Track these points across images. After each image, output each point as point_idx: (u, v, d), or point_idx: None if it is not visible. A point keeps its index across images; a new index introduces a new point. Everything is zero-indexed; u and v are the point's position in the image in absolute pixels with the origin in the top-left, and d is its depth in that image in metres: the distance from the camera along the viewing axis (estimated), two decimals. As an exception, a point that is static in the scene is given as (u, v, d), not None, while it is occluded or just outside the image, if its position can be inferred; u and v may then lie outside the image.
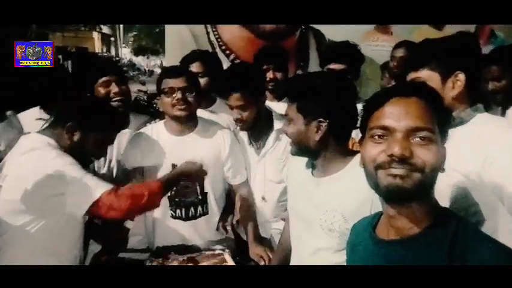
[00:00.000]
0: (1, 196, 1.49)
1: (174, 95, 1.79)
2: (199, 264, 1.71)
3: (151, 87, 3.07)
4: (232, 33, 3.55)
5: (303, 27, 3.61)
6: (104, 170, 1.96)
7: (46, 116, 1.88)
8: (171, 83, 1.81)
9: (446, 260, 0.86)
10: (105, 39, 24.80)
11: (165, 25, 3.65)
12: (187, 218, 1.91)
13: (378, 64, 3.49)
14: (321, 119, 1.28)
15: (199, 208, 1.91)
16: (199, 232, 1.94)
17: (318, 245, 1.33)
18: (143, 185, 1.63)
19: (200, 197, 1.91)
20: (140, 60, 26.93)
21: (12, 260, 1.49)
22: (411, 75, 1.34)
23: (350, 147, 1.49)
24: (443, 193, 1.23)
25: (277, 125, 1.89)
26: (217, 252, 1.83)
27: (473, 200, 1.19)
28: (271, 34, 3.47)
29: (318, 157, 1.34)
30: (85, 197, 1.47)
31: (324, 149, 1.32)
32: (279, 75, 2.37)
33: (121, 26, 25.51)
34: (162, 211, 1.88)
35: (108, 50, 25.01)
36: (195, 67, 2.21)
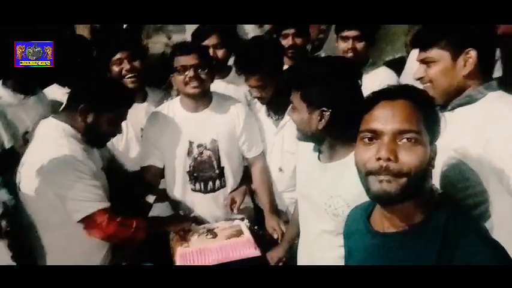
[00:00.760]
0: (21, 184, 1.58)
1: (186, 73, 1.80)
2: (217, 237, 1.81)
3: (179, 38, 3.06)
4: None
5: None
6: (121, 144, 2.03)
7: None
8: (182, 60, 1.80)
9: (437, 255, 0.89)
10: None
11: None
12: (206, 191, 1.98)
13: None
14: (324, 108, 1.27)
15: (217, 182, 1.98)
16: (219, 203, 2.01)
17: (323, 227, 1.37)
18: (133, 220, 1.65)
19: (217, 172, 1.96)
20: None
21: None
22: (420, 56, 1.29)
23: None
24: (443, 173, 1.24)
25: None
26: (234, 223, 1.91)
27: (473, 181, 1.18)
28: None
29: (322, 143, 1.36)
30: (83, 206, 1.54)
31: (328, 136, 1.32)
32: (298, 40, 2.33)
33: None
34: (182, 184, 1.97)
35: None
36: (211, 40, 2.19)
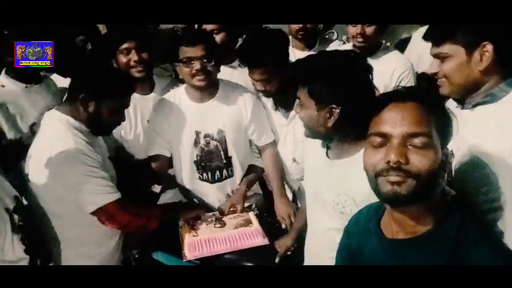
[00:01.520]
0: (29, 176, 1.60)
1: (192, 65, 1.75)
2: (226, 226, 1.82)
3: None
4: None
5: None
6: (130, 137, 2.03)
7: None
8: (188, 52, 1.75)
9: (448, 261, 0.88)
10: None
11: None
12: (213, 181, 1.98)
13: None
14: (334, 106, 1.22)
15: (225, 171, 1.97)
16: (226, 193, 2.02)
17: (330, 224, 1.35)
18: (146, 208, 1.69)
19: (225, 161, 1.96)
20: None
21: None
22: (433, 51, 1.23)
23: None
24: (464, 174, 1.20)
25: None
26: (243, 212, 1.92)
27: (495, 185, 1.13)
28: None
29: (331, 141, 1.32)
30: (94, 198, 1.56)
31: (337, 134, 1.28)
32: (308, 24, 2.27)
33: None
34: (189, 173, 1.97)
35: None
36: (208, 26, 2.14)
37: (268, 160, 2.01)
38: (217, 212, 1.95)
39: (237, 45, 2.08)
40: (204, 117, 1.89)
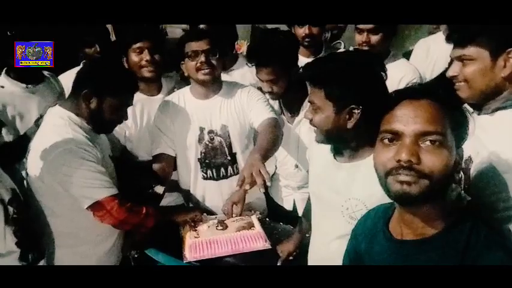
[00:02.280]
0: (28, 170, 1.59)
1: (197, 58, 1.79)
2: (228, 228, 1.79)
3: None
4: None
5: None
6: (135, 137, 2.02)
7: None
8: (194, 46, 1.80)
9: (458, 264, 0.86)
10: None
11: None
12: (218, 178, 1.96)
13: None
14: (354, 106, 1.17)
15: (230, 168, 1.95)
16: (232, 191, 1.95)
17: (337, 230, 1.31)
18: (141, 206, 1.65)
19: (229, 158, 1.94)
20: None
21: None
22: (456, 52, 1.21)
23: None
24: (483, 178, 1.17)
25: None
26: (245, 215, 1.89)
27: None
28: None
29: (347, 144, 1.26)
30: (90, 192, 1.54)
31: (355, 136, 1.23)
32: (315, 30, 2.29)
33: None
34: (194, 172, 1.95)
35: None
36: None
37: (263, 127, 1.82)
38: (219, 215, 1.92)
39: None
40: (208, 113, 1.89)
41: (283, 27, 2.25)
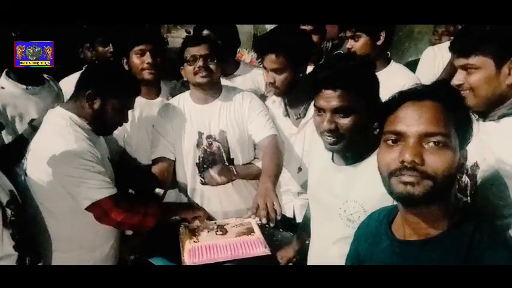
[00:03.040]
0: (27, 170, 1.58)
1: (196, 63, 1.80)
2: (227, 234, 1.77)
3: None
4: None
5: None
6: (133, 141, 2.02)
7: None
8: (192, 50, 1.82)
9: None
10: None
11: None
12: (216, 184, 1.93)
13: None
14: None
15: None
16: (230, 196, 1.97)
17: (336, 233, 1.31)
18: (142, 205, 1.64)
19: (227, 163, 1.93)
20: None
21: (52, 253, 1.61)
22: (459, 62, 1.21)
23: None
24: (490, 184, 1.18)
25: None
26: (245, 221, 1.88)
27: None
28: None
29: (354, 148, 1.26)
30: (89, 193, 1.52)
31: (354, 138, 1.22)
32: (315, 38, 2.32)
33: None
34: (191, 177, 1.94)
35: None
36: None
37: (267, 149, 1.82)
38: (218, 220, 1.90)
39: None
40: (207, 118, 1.89)
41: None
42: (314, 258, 1.49)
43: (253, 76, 2.30)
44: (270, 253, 1.69)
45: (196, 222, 1.82)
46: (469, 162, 1.22)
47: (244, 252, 1.67)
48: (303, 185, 1.96)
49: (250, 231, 1.79)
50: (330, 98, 1.19)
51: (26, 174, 1.59)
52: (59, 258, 1.63)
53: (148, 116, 2.03)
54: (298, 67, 1.81)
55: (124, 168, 1.86)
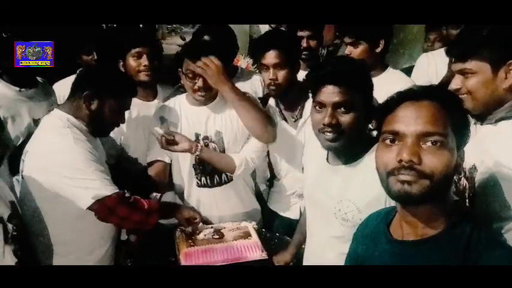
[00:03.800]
0: (24, 173, 1.56)
1: (195, 81, 1.77)
2: (224, 237, 1.76)
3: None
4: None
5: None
6: (130, 142, 2.01)
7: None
8: (192, 67, 1.75)
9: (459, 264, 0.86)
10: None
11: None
12: (212, 185, 1.93)
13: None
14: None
15: (224, 175, 1.92)
16: (225, 199, 1.96)
17: (331, 233, 1.31)
18: (145, 201, 1.63)
19: None
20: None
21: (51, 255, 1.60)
22: (456, 66, 1.22)
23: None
24: (488, 187, 1.18)
25: None
26: (242, 225, 1.87)
27: None
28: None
29: (351, 148, 1.26)
30: (91, 192, 1.50)
31: (349, 138, 1.23)
32: (313, 43, 2.33)
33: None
34: (188, 180, 1.94)
35: None
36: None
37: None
38: (215, 224, 1.89)
39: None
40: (204, 119, 1.88)
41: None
42: (310, 258, 1.50)
43: (251, 81, 2.30)
44: (267, 257, 1.69)
45: (193, 227, 1.80)
46: (467, 165, 1.23)
47: (241, 255, 1.67)
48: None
49: (247, 235, 1.78)
50: (332, 93, 1.20)
51: (22, 177, 1.57)
52: (54, 262, 1.61)
53: (145, 117, 2.01)
54: (294, 65, 1.84)
55: (120, 171, 1.84)
